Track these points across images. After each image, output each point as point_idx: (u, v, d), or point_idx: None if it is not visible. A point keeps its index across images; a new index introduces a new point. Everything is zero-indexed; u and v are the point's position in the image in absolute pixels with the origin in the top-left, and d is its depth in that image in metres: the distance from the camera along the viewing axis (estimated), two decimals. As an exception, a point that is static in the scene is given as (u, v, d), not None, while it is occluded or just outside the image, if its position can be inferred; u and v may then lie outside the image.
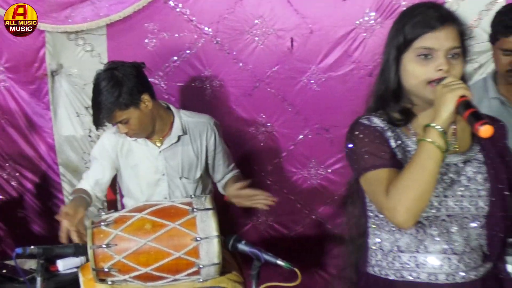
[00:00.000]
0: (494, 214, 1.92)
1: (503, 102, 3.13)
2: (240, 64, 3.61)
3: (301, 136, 3.69)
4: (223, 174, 3.29)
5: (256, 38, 3.57)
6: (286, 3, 3.53)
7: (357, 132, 1.96)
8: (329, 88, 3.61)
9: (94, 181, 3.12)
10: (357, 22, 3.55)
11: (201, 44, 3.59)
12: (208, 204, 2.67)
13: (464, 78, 1.92)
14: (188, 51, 3.61)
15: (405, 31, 1.90)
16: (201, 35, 3.58)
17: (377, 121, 1.97)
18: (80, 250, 2.65)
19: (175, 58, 3.60)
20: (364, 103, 3.27)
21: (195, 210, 2.63)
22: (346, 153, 2.00)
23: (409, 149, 1.94)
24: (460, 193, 1.91)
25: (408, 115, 1.97)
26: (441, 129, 1.78)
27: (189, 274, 2.63)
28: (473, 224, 1.93)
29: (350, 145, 1.97)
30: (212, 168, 3.26)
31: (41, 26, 3.44)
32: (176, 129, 3.12)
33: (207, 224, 2.61)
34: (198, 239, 2.57)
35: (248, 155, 3.51)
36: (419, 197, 1.78)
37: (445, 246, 1.91)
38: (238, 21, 3.57)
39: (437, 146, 1.77)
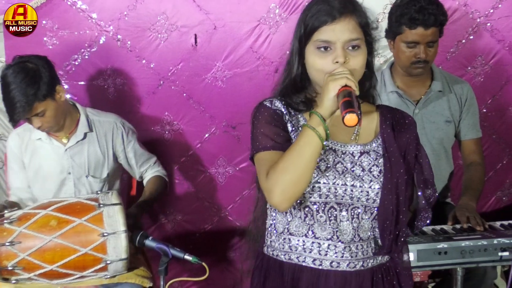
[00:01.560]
0: (385, 207, 2.04)
1: (400, 95, 3.38)
2: (143, 62, 3.72)
3: (207, 134, 3.84)
4: (139, 174, 3.43)
5: (159, 35, 3.70)
6: (189, -1, 3.66)
7: (257, 114, 2.08)
8: (235, 85, 3.79)
9: (20, 192, 3.30)
10: (262, 17, 3.73)
11: (102, 42, 3.66)
12: (115, 200, 2.81)
13: (370, 69, 2.10)
14: (89, 49, 3.68)
15: (305, 24, 2.02)
16: (102, 33, 3.66)
17: (279, 105, 2.09)
18: (-19, 249, 2.71)
19: (76, 56, 3.66)
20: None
21: (101, 205, 2.76)
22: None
23: None
24: (351, 182, 2.02)
25: (310, 104, 2.08)
26: (321, 117, 1.90)
27: (96, 271, 2.75)
28: (365, 216, 2.06)
29: (251, 126, 2.09)
30: (127, 166, 3.41)
31: None
32: (82, 126, 3.25)
33: (114, 219, 2.74)
34: (105, 234, 2.70)
35: (154, 154, 3.58)
36: (294, 181, 1.90)
37: (332, 234, 2.04)
38: (140, 18, 3.67)
39: (315, 132, 1.89)
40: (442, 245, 2.78)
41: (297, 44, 2.06)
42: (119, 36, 3.70)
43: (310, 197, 2.03)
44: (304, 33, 2.03)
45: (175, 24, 3.71)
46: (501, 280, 3.60)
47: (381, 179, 2.05)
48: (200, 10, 3.70)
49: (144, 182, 3.45)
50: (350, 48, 1.98)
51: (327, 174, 2.02)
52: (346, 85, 1.89)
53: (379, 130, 2.13)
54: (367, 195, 2.04)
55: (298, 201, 2.04)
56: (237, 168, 3.92)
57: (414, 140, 2.13)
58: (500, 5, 3.95)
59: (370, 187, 2.04)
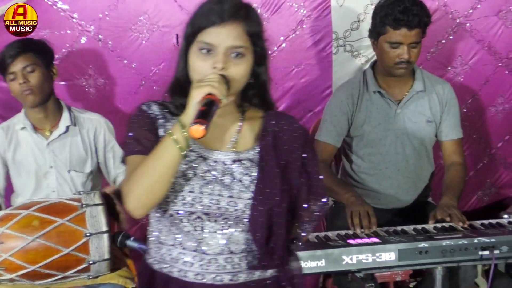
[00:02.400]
0: (256, 219, 1.93)
1: (382, 95, 3.42)
2: (125, 62, 3.74)
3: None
4: (113, 176, 3.42)
5: (141, 35, 3.72)
6: (171, -1, 3.67)
7: (133, 117, 2.06)
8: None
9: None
10: (243, 18, 3.79)
11: (83, 42, 3.68)
12: (97, 200, 2.81)
13: (259, 80, 1.99)
14: (70, 49, 3.69)
15: (193, 22, 1.95)
16: (83, 33, 3.68)
17: (155, 108, 2.05)
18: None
19: (57, 56, 3.60)
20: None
21: (84, 205, 2.76)
22: None
23: None
24: (218, 191, 1.94)
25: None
26: (182, 124, 1.83)
27: (78, 271, 2.75)
28: (236, 228, 1.96)
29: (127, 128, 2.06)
30: (103, 167, 3.42)
31: None
32: (65, 120, 3.28)
33: (97, 220, 2.75)
34: (88, 234, 2.70)
35: None
36: (148, 188, 1.86)
37: (196, 244, 1.95)
38: (121, 18, 3.68)
39: (173, 139, 1.83)
40: (423, 244, 2.81)
41: (184, 43, 1.99)
42: (100, 36, 3.72)
43: (174, 206, 1.94)
44: (191, 32, 1.95)
45: (156, 24, 3.74)
46: (482, 279, 3.65)
47: (252, 189, 1.95)
48: (181, 10, 3.73)
49: (118, 183, 3.41)
50: (234, 55, 1.91)
51: (192, 183, 1.95)
52: (210, 94, 1.81)
53: (258, 138, 2.04)
54: (235, 206, 1.94)
55: (164, 209, 1.96)
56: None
57: (299, 148, 2.02)
58: (479, 6, 4.03)
59: (239, 197, 1.95)
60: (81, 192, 2.97)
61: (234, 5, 1.93)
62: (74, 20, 3.68)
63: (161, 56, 3.77)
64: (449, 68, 4.08)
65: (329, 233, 3.02)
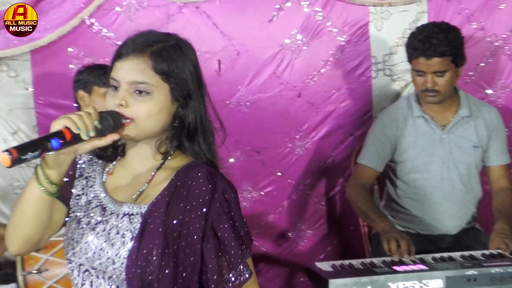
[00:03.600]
0: (131, 282, 1.70)
1: (427, 120, 3.32)
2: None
3: (232, 159, 3.80)
4: None
5: (184, 61, 3.70)
6: (212, 25, 3.66)
7: None
8: (259, 110, 3.76)
9: None
10: (284, 43, 3.73)
11: (128, 69, 3.66)
12: None
13: (182, 123, 1.80)
14: None
15: (113, 56, 1.80)
16: None
17: (84, 156, 1.93)
18: (9, 277, 2.72)
19: None
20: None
21: None
22: None
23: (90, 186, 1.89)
24: (101, 245, 1.76)
25: (117, 150, 1.90)
26: (43, 162, 1.67)
27: None
28: None
29: None
30: None
31: (-37, 52, 3.47)
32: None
33: None
34: None
35: None
36: (14, 222, 1.75)
37: None
38: (164, 44, 3.68)
39: (34, 177, 1.68)
40: (471, 271, 2.70)
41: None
42: (144, 63, 3.66)
43: (67, 253, 1.82)
44: (110, 69, 1.81)
45: (198, 50, 3.54)
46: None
47: (129, 247, 1.72)
48: (223, 36, 3.70)
49: None
50: (137, 92, 1.73)
51: (82, 232, 1.79)
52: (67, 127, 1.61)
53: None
54: (113, 264, 1.74)
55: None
56: (262, 193, 3.88)
57: (201, 207, 1.73)
58: (516, 29, 3.93)
59: (117, 254, 1.73)
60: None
61: (144, 39, 1.77)
62: (118, 47, 3.63)
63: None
64: (489, 91, 3.96)
65: (374, 260, 2.93)
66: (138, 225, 1.74)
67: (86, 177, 1.90)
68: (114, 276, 1.74)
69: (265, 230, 3.91)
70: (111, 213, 1.80)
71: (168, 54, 1.78)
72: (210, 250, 1.73)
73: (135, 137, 1.76)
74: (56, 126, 1.61)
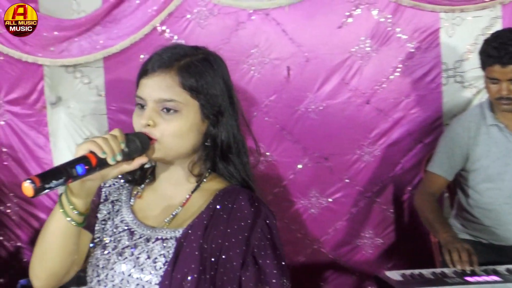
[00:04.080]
0: None
1: (501, 129, 3.22)
2: (237, 94, 3.68)
3: (300, 165, 3.78)
4: None
5: (253, 68, 3.69)
6: (281, 32, 3.65)
7: None
8: (327, 116, 3.73)
9: None
10: (353, 49, 3.69)
11: (197, 75, 3.67)
12: None
13: (215, 142, 1.70)
14: None
15: (138, 73, 1.73)
16: None
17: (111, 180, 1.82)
18: (81, 280, 2.73)
19: None
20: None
21: None
22: None
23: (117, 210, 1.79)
24: (129, 271, 1.66)
25: (145, 173, 1.81)
26: (69, 190, 1.57)
27: None
28: None
29: None
30: None
31: (39, 60, 3.56)
32: None
33: None
34: None
35: None
36: (39, 257, 1.65)
37: None
38: (234, 51, 3.66)
39: (60, 207, 1.58)
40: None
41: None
42: (213, 70, 3.68)
43: (91, 281, 1.71)
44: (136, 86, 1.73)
45: (268, 57, 3.70)
46: None
47: (162, 273, 1.62)
48: (292, 43, 3.69)
49: None
50: (165, 110, 1.63)
51: (108, 257, 1.69)
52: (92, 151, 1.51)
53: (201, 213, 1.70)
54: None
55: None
56: (330, 200, 3.85)
57: (243, 232, 1.63)
58: None
59: (147, 280, 1.62)
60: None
61: (171, 54, 1.69)
62: (189, 54, 3.66)
63: (273, 88, 3.73)
64: None
65: (445, 269, 2.86)
66: (172, 250, 1.63)
67: (112, 201, 1.80)
68: None
69: (332, 237, 3.88)
70: (140, 237, 1.69)
71: (197, 68, 1.67)
72: (250, 278, 1.60)
73: (164, 158, 1.67)
74: (81, 151, 1.51)
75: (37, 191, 1.40)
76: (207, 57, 1.74)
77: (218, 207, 1.66)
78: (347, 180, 3.83)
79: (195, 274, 1.58)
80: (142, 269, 1.63)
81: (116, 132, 1.57)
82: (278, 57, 3.70)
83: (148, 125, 1.62)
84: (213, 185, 1.73)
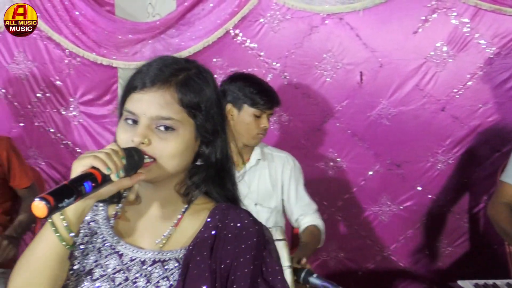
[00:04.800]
0: None
1: None
2: (309, 99, 3.69)
3: (371, 172, 3.73)
4: (296, 216, 3.22)
5: (325, 73, 3.65)
6: (355, 37, 3.61)
7: None
8: (400, 123, 3.66)
9: None
10: (428, 55, 3.61)
11: (269, 79, 3.64)
12: (279, 235, 2.73)
13: (208, 162, 1.59)
14: None
15: (127, 86, 1.57)
16: (269, 70, 3.67)
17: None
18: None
19: None
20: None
21: None
22: None
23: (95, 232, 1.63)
24: None
25: (121, 192, 1.64)
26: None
27: None
28: None
29: None
30: (286, 206, 3.24)
31: (113, 63, 3.62)
32: (256, 154, 3.16)
33: (280, 255, 2.69)
34: None
35: (318, 191, 3.54)
36: (24, 282, 1.49)
37: None
38: (306, 55, 3.65)
39: (51, 226, 1.46)
40: None
41: (119, 109, 1.60)
42: (285, 74, 3.69)
43: None
44: (122, 96, 1.58)
45: (341, 62, 3.66)
46: None
47: None
48: (366, 47, 3.64)
49: (300, 229, 3.23)
50: (161, 128, 1.49)
51: (97, 284, 1.53)
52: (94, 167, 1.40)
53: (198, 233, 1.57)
54: None
55: None
56: (401, 207, 3.77)
57: (249, 251, 1.53)
58: None
59: None
60: (263, 227, 2.87)
61: (169, 67, 1.54)
62: (261, 58, 3.69)
63: (345, 93, 3.69)
64: None
65: (498, 281, 2.76)
66: (175, 271, 1.52)
67: (88, 223, 1.64)
68: None
69: (403, 245, 3.81)
70: (131, 260, 1.56)
71: (195, 84, 1.54)
72: None
73: (157, 178, 1.53)
74: (80, 167, 1.40)
75: (51, 211, 1.28)
76: (201, 71, 1.59)
77: (219, 224, 1.56)
78: (419, 188, 3.75)
79: None
80: None
81: (115, 146, 1.45)
82: (351, 62, 3.65)
83: (142, 144, 1.49)
84: (201, 203, 1.63)
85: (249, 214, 1.59)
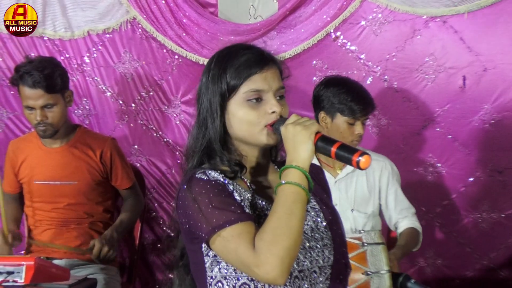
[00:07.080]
0: (338, 262, 1.81)
1: None
2: (409, 103, 3.63)
3: (472, 178, 3.63)
4: (395, 220, 3.20)
5: (426, 76, 3.59)
6: (459, 40, 3.53)
7: (197, 189, 1.74)
8: (504, 129, 3.55)
9: None
10: (537, 60, 3.50)
11: (369, 82, 3.62)
12: (378, 239, 2.72)
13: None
14: None
15: (227, 76, 1.79)
16: (369, 73, 3.64)
17: (215, 175, 1.78)
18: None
19: None
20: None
21: (365, 244, 2.68)
22: (187, 215, 1.74)
23: (254, 203, 1.79)
24: (308, 244, 1.77)
25: (240, 167, 1.83)
26: (303, 170, 1.68)
27: None
28: (320, 278, 1.78)
29: (193, 204, 1.73)
30: (384, 209, 3.22)
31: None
32: None
33: (378, 259, 2.65)
34: (369, 273, 2.61)
35: (416, 196, 3.46)
36: (291, 246, 1.60)
37: None
38: (407, 59, 3.60)
39: (302, 188, 1.67)
40: None
41: (218, 100, 1.80)
42: (386, 77, 3.65)
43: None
44: (228, 87, 1.79)
45: (443, 65, 3.58)
46: None
47: (329, 235, 1.84)
48: (470, 51, 3.54)
49: (398, 231, 3.19)
50: (278, 97, 1.81)
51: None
52: (318, 131, 1.72)
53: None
54: (323, 254, 1.81)
55: None
56: (503, 215, 3.65)
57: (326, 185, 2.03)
58: None
59: (324, 245, 1.82)
60: (362, 231, 2.86)
61: (263, 50, 1.87)
62: (362, 61, 3.66)
63: (446, 98, 3.60)
64: None
65: None
66: (320, 215, 1.87)
67: (245, 197, 1.80)
68: (318, 268, 1.79)
69: (504, 254, 3.68)
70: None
71: (277, 57, 1.90)
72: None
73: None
74: (311, 133, 1.70)
75: None
76: None
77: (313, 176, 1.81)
78: (522, 196, 3.62)
79: (342, 228, 1.92)
80: (315, 238, 1.82)
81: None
82: (454, 66, 3.57)
83: (280, 112, 1.78)
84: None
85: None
